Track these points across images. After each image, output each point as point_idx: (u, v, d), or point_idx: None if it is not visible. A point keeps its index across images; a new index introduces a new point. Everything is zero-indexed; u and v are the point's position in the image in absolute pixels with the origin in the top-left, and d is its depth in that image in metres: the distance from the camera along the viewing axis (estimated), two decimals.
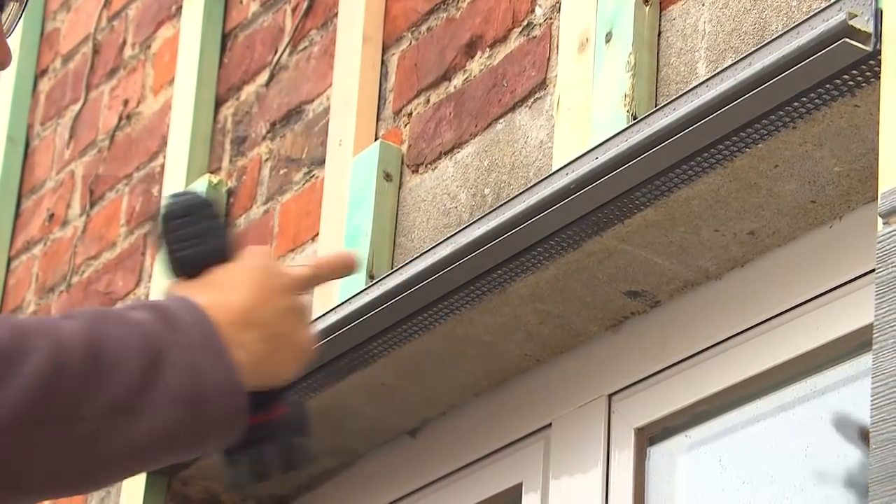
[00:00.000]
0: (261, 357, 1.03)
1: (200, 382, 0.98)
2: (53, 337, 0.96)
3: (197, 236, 1.08)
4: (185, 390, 0.97)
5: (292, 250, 1.91)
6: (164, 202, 1.09)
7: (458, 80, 1.73)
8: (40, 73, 2.57)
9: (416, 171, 1.76)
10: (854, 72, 1.24)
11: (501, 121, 1.65)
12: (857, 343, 1.37)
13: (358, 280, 1.72)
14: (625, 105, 1.47)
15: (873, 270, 1.17)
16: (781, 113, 1.29)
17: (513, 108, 1.64)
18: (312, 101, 1.96)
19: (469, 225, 1.53)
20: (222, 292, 1.05)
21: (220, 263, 1.06)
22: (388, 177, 1.77)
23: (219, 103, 2.12)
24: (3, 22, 1.11)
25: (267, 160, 2.01)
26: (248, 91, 2.08)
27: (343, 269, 1.13)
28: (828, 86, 1.26)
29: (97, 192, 2.33)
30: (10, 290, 2.45)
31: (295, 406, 1.06)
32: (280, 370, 1.05)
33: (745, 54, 1.30)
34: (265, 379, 1.04)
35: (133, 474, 1.00)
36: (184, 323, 1.00)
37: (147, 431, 0.96)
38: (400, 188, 1.77)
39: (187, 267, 1.07)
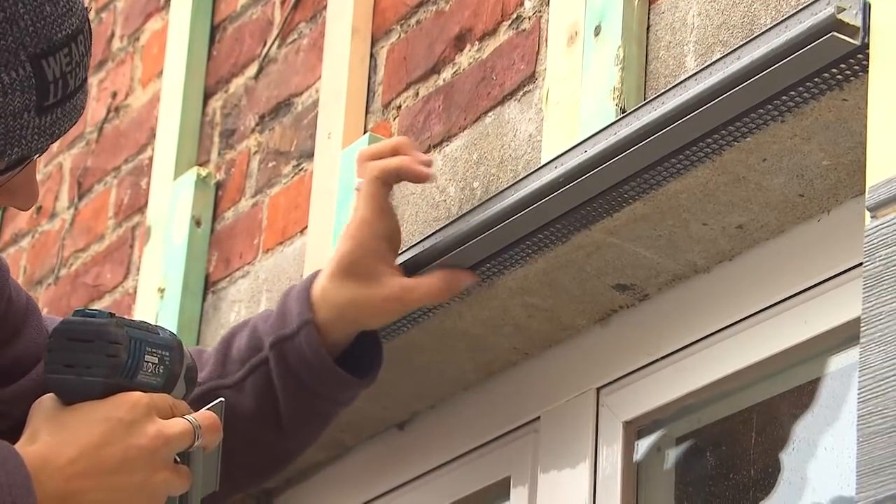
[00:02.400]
0: None
1: None
2: None
3: (77, 366, 1.04)
4: None
5: (280, 243, 1.91)
6: (70, 316, 1.05)
7: (447, 74, 1.73)
8: None
9: None
10: (842, 66, 1.24)
11: (490, 114, 1.65)
12: (844, 337, 1.37)
13: None
14: (613, 98, 1.47)
15: (861, 264, 1.17)
16: (770, 107, 1.29)
17: (502, 102, 1.64)
18: (301, 93, 1.95)
19: (458, 218, 1.53)
20: (59, 445, 1.00)
21: (90, 398, 1.03)
22: None
23: (207, 96, 2.11)
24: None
25: (255, 153, 2.01)
26: (237, 83, 2.07)
27: (217, 435, 1.08)
28: (816, 79, 1.26)
29: (85, 185, 2.33)
30: None
31: None
32: None
33: (733, 48, 1.30)
34: None
35: None
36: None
37: None
38: None
39: (57, 390, 1.04)
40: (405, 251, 1.58)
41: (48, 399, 1.04)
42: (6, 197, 1.09)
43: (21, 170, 1.07)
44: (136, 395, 1.05)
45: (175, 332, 1.14)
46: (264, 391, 1.35)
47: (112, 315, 1.08)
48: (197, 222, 2.02)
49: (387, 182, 1.42)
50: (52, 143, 1.08)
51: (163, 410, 1.07)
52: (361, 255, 1.37)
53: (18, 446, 1.01)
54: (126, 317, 1.11)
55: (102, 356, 1.05)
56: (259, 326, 1.39)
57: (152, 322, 1.16)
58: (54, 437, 1.01)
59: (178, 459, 1.08)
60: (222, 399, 1.15)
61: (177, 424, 1.06)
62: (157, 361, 1.10)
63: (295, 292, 1.40)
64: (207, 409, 1.11)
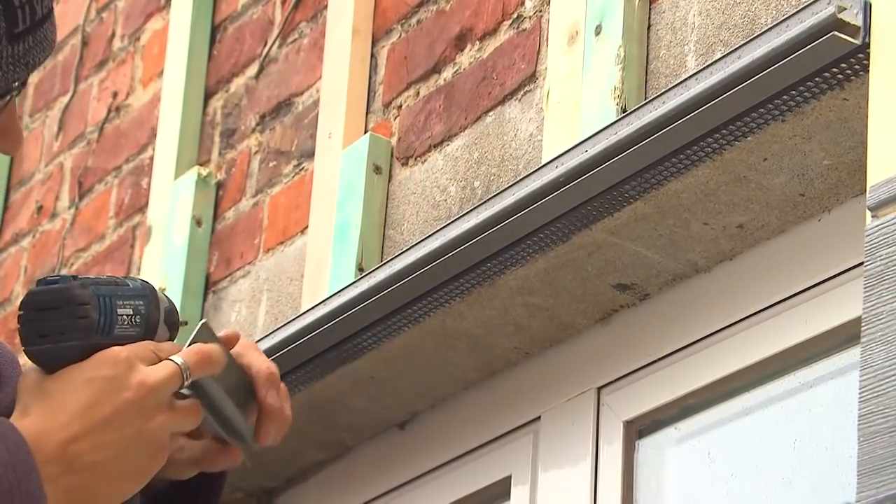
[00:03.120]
0: (74, 490, 0.98)
1: None
2: None
3: (49, 335, 1.03)
4: None
5: (281, 243, 1.91)
6: (32, 287, 1.04)
7: (447, 73, 1.73)
8: None
9: (405, 164, 1.76)
10: (843, 65, 1.24)
11: (491, 114, 1.65)
12: (845, 336, 1.37)
13: (348, 273, 1.72)
14: (614, 98, 1.47)
15: (862, 263, 1.17)
16: (770, 106, 1.29)
17: (502, 101, 1.64)
18: (302, 93, 1.95)
19: (458, 218, 1.53)
20: (48, 414, 1.00)
21: (71, 363, 1.02)
22: (377, 169, 1.77)
23: (208, 95, 2.12)
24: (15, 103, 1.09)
25: (256, 153, 2.01)
26: (238, 83, 2.07)
27: (211, 365, 1.05)
28: (817, 79, 1.26)
29: (86, 185, 2.33)
30: None
31: None
32: (107, 496, 0.99)
33: (734, 47, 1.30)
34: (93, 501, 0.98)
35: None
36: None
37: None
38: (389, 181, 1.77)
39: (41, 362, 1.03)
40: (407, 250, 1.58)
41: (32, 372, 1.04)
42: None
43: (3, 108, 1.07)
44: (115, 350, 1.04)
45: (146, 280, 1.12)
46: None
47: (75, 277, 1.07)
48: (198, 222, 2.02)
49: None
50: (27, 74, 1.08)
51: (146, 358, 1.05)
52: None
53: (12, 421, 1.01)
54: (91, 275, 1.10)
55: (73, 320, 1.03)
56: None
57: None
58: (44, 406, 1.01)
59: (188, 394, 1.07)
60: (205, 321, 1.13)
61: (160, 369, 1.05)
62: (131, 313, 1.08)
63: None
64: (191, 339, 1.10)
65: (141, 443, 1.02)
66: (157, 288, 1.12)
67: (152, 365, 1.06)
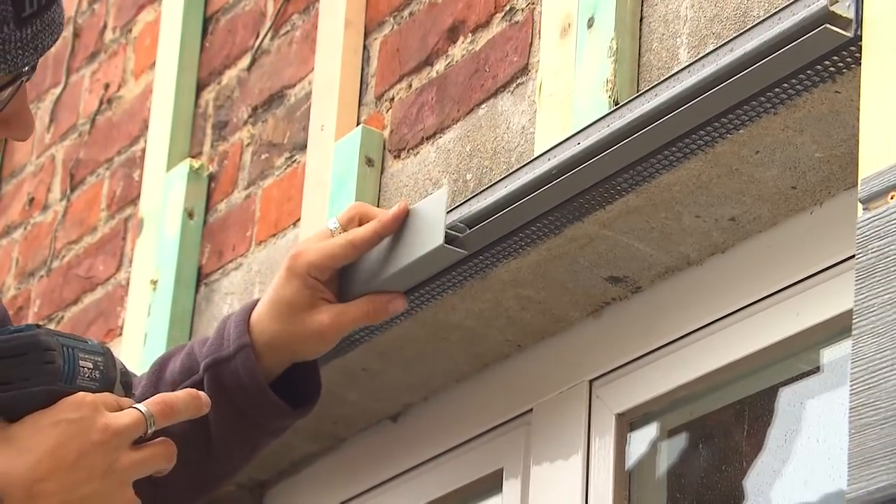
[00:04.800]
0: None
1: None
2: None
3: (12, 382, 1.03)
4: None
5: (273, 235, 1.91)
6: None
7: (440, 66, 1.73)
8: None
9: (398, 157, 1.76)
10: (835, 57, 1.24)
11: (483, 106, 1.65)
12: (837, 329, 1.37)
13: None
14: (606, 91, 1.47)
15: (853, 256, 1.17)
16: (762, 99, 1.29)
17: (495, 94, 1.64)
18: (294, 85, 1.95)
19: (450, 210, 1.53)
20: (17, 454, 1.01)
21: (36, 409, 1.03)
22: (369, 162, 1.76)
23: (200, 88, 2.11)
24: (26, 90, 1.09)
25: (248, 145, 2.01)
26: (230, 75, 2.07)
27: (191, 409, 1.09)
28: (809, 72, 1.26)
29: (78, 177, 2.33)
30: None
31: None
32: None
33: (726, 40, 1.30)
34: None
35: None
36: None
37: None
38: (382, 173, 1.77)
39: (3, 411, 1.03)
40: None
41: None
42: (3, 128, 1.09)
43: (14, 93, 1.08)
44: (81, 395, 1.06)
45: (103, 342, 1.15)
46: None
47: (38, 326, 1.08)
48: (189, 214, 2.02)
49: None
50: (36, 58, 1.08)
51: (110, 405, 1.08)
52: (295, 290, 1.37)
53: None
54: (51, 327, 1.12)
55: (39, 365, 1.04)
56: (195, 349, 1.39)
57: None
58: (10, 450, 1.02)
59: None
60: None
61: (126, 415, 1.08)
62: (91, 367, 1.10)
63: (234, 318, 1.40)
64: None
65: (110, 484, 1.03)
66: (111, 350, 1.14)
67: (116, 412, 1.07)
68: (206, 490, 1.38)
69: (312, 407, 1.42)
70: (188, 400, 1.13)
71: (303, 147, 1.89)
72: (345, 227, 1.41)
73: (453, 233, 1.43)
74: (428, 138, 1.72)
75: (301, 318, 1.38)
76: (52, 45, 1.09)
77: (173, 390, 1.34)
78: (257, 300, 1.42)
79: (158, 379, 1.38)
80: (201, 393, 1.16)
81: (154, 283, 2.01)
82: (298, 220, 1.86)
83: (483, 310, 1.60)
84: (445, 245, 1.39)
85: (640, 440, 1.55)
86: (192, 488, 1.36)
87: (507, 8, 1.66)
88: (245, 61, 2.04)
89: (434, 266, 1.46)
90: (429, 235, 1.41)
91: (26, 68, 1.08)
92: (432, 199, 1.40)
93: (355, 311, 1.39)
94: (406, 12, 1.80)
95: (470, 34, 1.70)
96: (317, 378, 1.42)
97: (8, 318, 1.25)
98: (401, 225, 1.42)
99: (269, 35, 2.02)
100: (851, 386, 1.09)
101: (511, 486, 1.63)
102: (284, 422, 1.39)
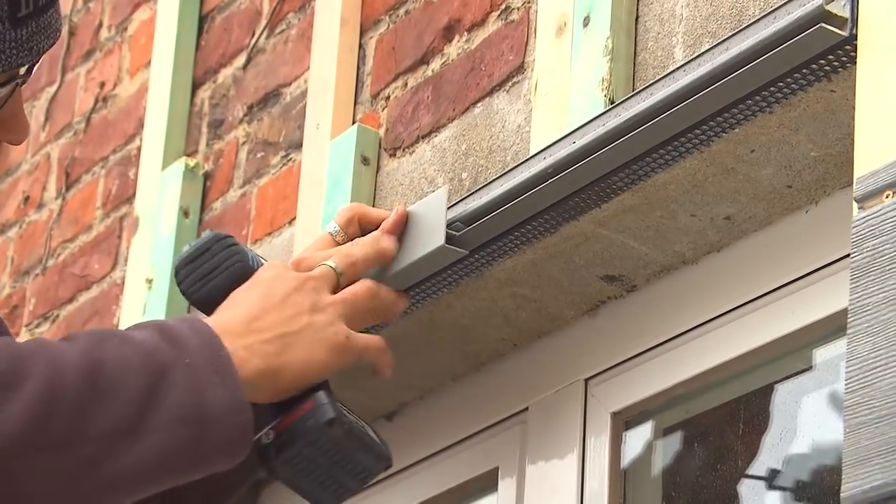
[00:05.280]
0: (272, 357, 1.03)
1: (203, 403, 0.98)
2: (50, 360, 0.95)
3: (209, 273, 1.13)
4: (188, 410, 0.97)
5: (269, 234, 1.91)
6: (180, 253, 1.15)
7: (435, 64, 1.73)
8: None
9: (393, 155, 1.76)
10: (830, 57, 1.24)
11: (479, 105, 1.65)
12: (832, 327, 1.37)
13: None
14: (602, 89, 1.47)
15: (849, 255, 1.17)
16: (758, 98, 1.29)
17: (490, 93, 1.64)
18: (290, 84, 1.95)
19: (446, 209, 1.52)
20: (230, 309, 1.07)
21: (237, 286, 1.10)
22: (365, 160, 1.76)
23: (195, 86, 2.11)
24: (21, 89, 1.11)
25: (244, 143, 2.00)
26: (225, 74, 2.07)
27: (379, 257, 1.18)
28: (804, 70, 1.26)
29: (73, 175, 2.32)
30: None
31: (318, 399, 1.06)
32: (302, 367, 1.05)
33: (721, 39, 1.30)
34: (288, 378, 1.04)
35: (140, 496, 0.98)
36: (187, 341, 1.01)
37: (150, 453, 0.96)
38: (377, 172, 1.77)
39: (208, 304, 1.12)
40: None
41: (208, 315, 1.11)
42: None
43: (10, 95, 1.08)
44: (271, 262, 1.14)
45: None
46: None
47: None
48: (185, 213, 2.01)
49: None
50: (32, 59, 1.09)
51: (297, 266, 1.16)
52: None
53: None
54: None
55: (227, 250, 1.14)
56: None
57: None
58: (225, 307, 1.09)
59: None
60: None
61: (316, 270, 1.15)
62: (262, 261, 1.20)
63: None
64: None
65: (318, 319, 1.09)
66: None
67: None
68: (227, 496, 1.38)
69: None
70: (368, 249, 1.21)
71: (298, 145, 1.89)
72: (345, 230, 1.41)
73: (451, 232, 1.44)
74: (423, 137, 1.72)
75: None
76: (47, 49, 1.10)
77: None
78: None
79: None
80: (383, 237, 1.23)
81: (149, 281, 2.01)
82: (294, 218, 1.85)
83: (478, 308, 1.60)
84: (446, 245, 1.39)
85: (636, 439, 1.55)
86: (215, 493, 1.36)
87: (503, 7, 1.66)
88: (241, 60, 2.04)
89: (434, 266, 1.46)
90: (429, 235, 1.41)
91: (22, 70, 1.08)
92: (432, 199, 1.40)
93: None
94: (402, 11, 1.80)
95: (465, 33, 1.70)
96: None
97: (3, 325, 1.25)
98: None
99: (264, 33, 2.02)
100: (846, 385, 1.09)
101: (506, 485, 1.63)
102: None
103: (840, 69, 1.25)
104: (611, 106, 1.40)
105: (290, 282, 1.09)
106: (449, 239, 1.43)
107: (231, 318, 1.06)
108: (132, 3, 2.31)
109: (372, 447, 1.08)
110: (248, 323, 1.05)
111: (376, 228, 1.32)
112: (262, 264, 1.15)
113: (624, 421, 1.55)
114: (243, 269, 1.13)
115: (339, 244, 1.40)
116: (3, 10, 1.05)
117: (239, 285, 1.11)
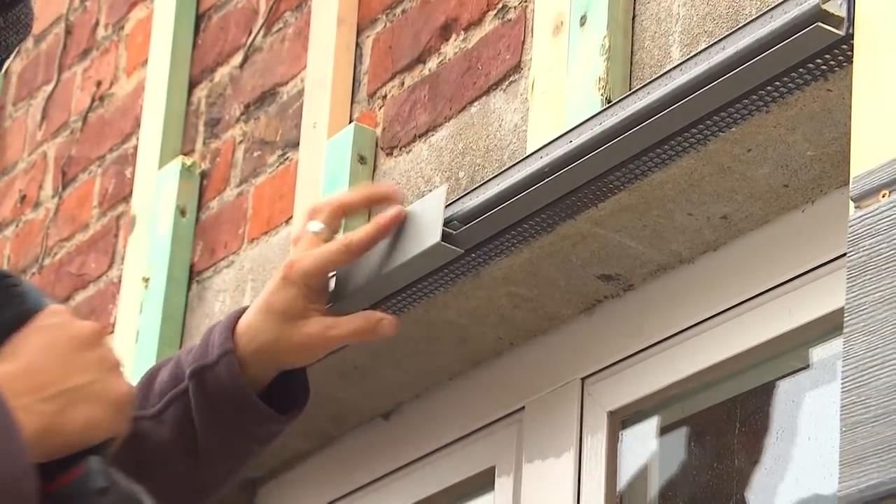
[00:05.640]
0: (50, 417, 0.99)
1: None
2: None
3: None
4: None
5: (266, 233, 1.91)
6: None
7: (432, 63, 1.73)
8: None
9: (390, 154, 1.76)
10: (827, 56, 1.24)
11: (476, 104, 1.65)
12: (828, 327, 1.37)
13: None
14: (599, 89, 1.47)
15: (845, 254, 1.17)
16: (755, 97, 1.29)
17: (487, 92, 1.64)
18: (286, 83, 1.95)
19: (444, 208, 1.52)
20: (12, 359, 1.01)
21: (14, 331, 1.03)
22: (362, 160, 1.76)
23: (192, 85, 2.11)
24: None
25: (241, 142, 2.00)
26: (222, 73, 2.07)
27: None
28: (801, 70, 1.26)
29: (70, 174, 2.32)
30: None
31: (90, 466, 1.00)
32: (83, 428, 1.00)
33: (718, 38, 1.30)
34: (67, 439, 1.00)
35: None
36: None
37: None
38: (374, 171, 1.77)
39: None
40: None
41: None
42: None
43: None
44: (54, 306, 1.08)
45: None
46: (183, 420, 1.36)
47: None
48: (182, 212, 2.01)
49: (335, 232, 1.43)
50: (0, 55, 1.08)
51: (76, 315, 1.11)
52: (288, 297, 1.37)
53: None
54: None
55: (7, 290, 1.06)
56: (181, 358, 1.40)
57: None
58: (5, 358, 1.03)
59: None
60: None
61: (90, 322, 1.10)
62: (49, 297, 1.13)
63: (219, 325, 1.40)
64: None
65: (104, 375, 1.04)
66: None
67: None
68: (198, 499, 1.38)
69: (299, 413, 1.41)
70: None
71: (295, 144, 1.89)
72: (329, 225, 1.40)
73: (448, 230, 1.44)
74: (420, 136, 1.72)
75: (290, 327, 1.37)
76: (17, 45, 1.08)
77: (160, 400, 1.35)
78: (244, 308, 1.42)
79: (148, 390, 1.39)
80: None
81: (146, 280, 2.01)
82: (291, 217, 1.85)
83: (475, 308, 1.61)
84: (442, 243, 1.39)
85: (632, 438, 1.55)
86: (183, 498, 1.36)
87: (500, 6, 1.66)
88: (237, 59, 2.04)
89: (430, 264, 1.46)
90: (425, 233, 1.41)
91: None
92: (430, 197, 1.40)
93: (345, 327, 1.39)
94: (398, 10, 1.80)
95: (462, 32, 1.70)
96: (305, 383, 1.42)
97: None
98: (398, 226, 1.42)
99: (261, 32, 2.01)
100: (843, 384, 1.09)
101: (503, 484, 1.63)
102: (272, 428, 1.39)
103: (836, 68, 1.25)
104: (607, 105, 1.40)
105: (75, 331, 1.04)
106: (445, 237, 1.43)
107: (13, 374, 1.00)
108: (129, 1, 2.31)
109: None
110: (25, 377, 1.00)
111: (360, 211, 1.32)
112: (48, 307, 1.07)
113: (621, 420, 1.55)
114: (19, 315, 1.04)
115: (327, 241, 1.40)
116: None
117: (19, 329, 1.04)
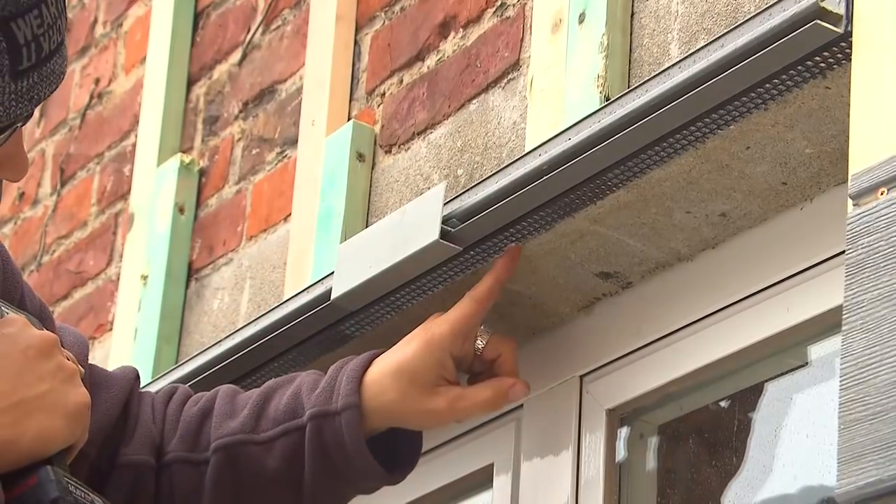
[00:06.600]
0: (4, 430, 0.98)
1: None
2: None
3: None
4: None
5: (264, 231, 1.91)
6: None
7: (431, 61, 1.73)
8: None
9: (388, 152, 1.76)
10: (825, 53, 1.24)
11: (474, 102, 1.65)
12: (827, 324, 1.37)
13: (331, 260, 1.71)
14: (598, 86, 1.47)
15: (844, 252, 1.17)
16: (753, 94, 1.29)
17: (486, 89, 1.64)
18: (285, 80, 1.95)
19: (443, 205, 1.52)
20: None
21: None
22: (360, 157, 1.76)
23: (191, 82, 2.11)
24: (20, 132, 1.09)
25: (239, 140, 2.00)
26: (221, 70, 2.07)
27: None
28: (799, 67, 1.26)
29: (68, 171, 2.32)
30: None
31: (43, 476, 0.98)
32: (38, 438, 1.00)
33: (717, 36, 1.30)
34: (23, 450, 0.99)
35: None
36: None
37: None
38: (373, 169, 1.77)
39: None
40: None
41: None
42: None
43: (7, 139, 1.07)
44: (12, 316, 1.07)
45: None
46: (292, 458, 1.36)
47: None
48: (180, 209, 2.01)
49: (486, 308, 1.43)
50: (32, 108, 1.08)
51: (33, 324, 1.10)
52: (425, 365, 1.37)
53: None
54: None
55: None
56: (303, 392, 1.38)
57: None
58: None
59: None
60: None
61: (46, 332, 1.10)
62: (12, 307, 1.12)
63: (348, 370, 1.39)
64: None
65: (60, 385, 1.03)
66: None
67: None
68: None
69: (409, 472, 1.41)
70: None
71: (294, 142, 1.89)
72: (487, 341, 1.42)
73: (446, 228, 1.44)
74: (419, 134, 1.72)
75: (420, 395, 1.37)
76: (50, 94, 1.08)
77: (273, 427, 1.35)
78: (376, 353, 1.41)
79: (262, 410, 1.38)
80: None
81: (144, 278, 2.01)
82: (289, 215, 1.85)
83: None
84: (441, 240, 1.39)
85: (631, 436, 1.55)
86: None
87: (499, 3, 1.66)
88: (236, 56, 2.04)
89: (428, 261, 1.46)
90: (424, 231, 1.42)
91: (21, 116, 1.07)
92: (429, 195, 1.40)
93: (474, 399, 1.38)
94: (397, 7, 1.80)
95: (461, 29, 1.70)
96: (418, 443, 1.42)
97: (20, 275, 1.26)
98: (515, 266, 1.43)
99: (260, 30, 2.01)
100: (841, 381, 1.09)
101: (501, 482, 1.63)
102: (378, 483, 1.39)
103: (835, 66, 1.25)
104: (606, 103, 1.40)
105: (30, 340, 1.03)
106: (444, 235, 1.43)
107: None
108: None
109: None
110: None
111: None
112: (3, 315, 1.07)
113: (619, 418, 1.55)
114: None
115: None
116: (4, 65, 1.03)
117: None
